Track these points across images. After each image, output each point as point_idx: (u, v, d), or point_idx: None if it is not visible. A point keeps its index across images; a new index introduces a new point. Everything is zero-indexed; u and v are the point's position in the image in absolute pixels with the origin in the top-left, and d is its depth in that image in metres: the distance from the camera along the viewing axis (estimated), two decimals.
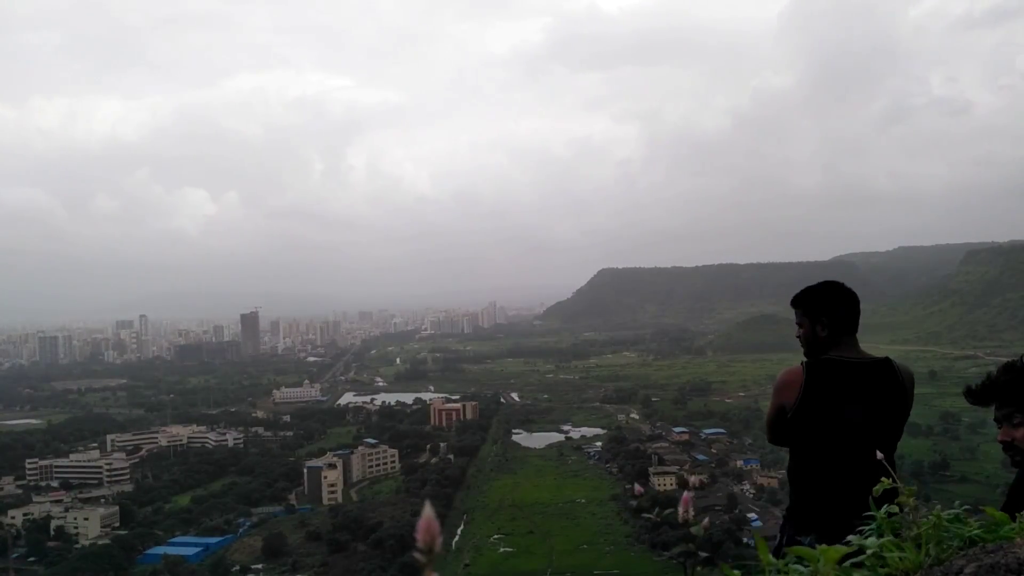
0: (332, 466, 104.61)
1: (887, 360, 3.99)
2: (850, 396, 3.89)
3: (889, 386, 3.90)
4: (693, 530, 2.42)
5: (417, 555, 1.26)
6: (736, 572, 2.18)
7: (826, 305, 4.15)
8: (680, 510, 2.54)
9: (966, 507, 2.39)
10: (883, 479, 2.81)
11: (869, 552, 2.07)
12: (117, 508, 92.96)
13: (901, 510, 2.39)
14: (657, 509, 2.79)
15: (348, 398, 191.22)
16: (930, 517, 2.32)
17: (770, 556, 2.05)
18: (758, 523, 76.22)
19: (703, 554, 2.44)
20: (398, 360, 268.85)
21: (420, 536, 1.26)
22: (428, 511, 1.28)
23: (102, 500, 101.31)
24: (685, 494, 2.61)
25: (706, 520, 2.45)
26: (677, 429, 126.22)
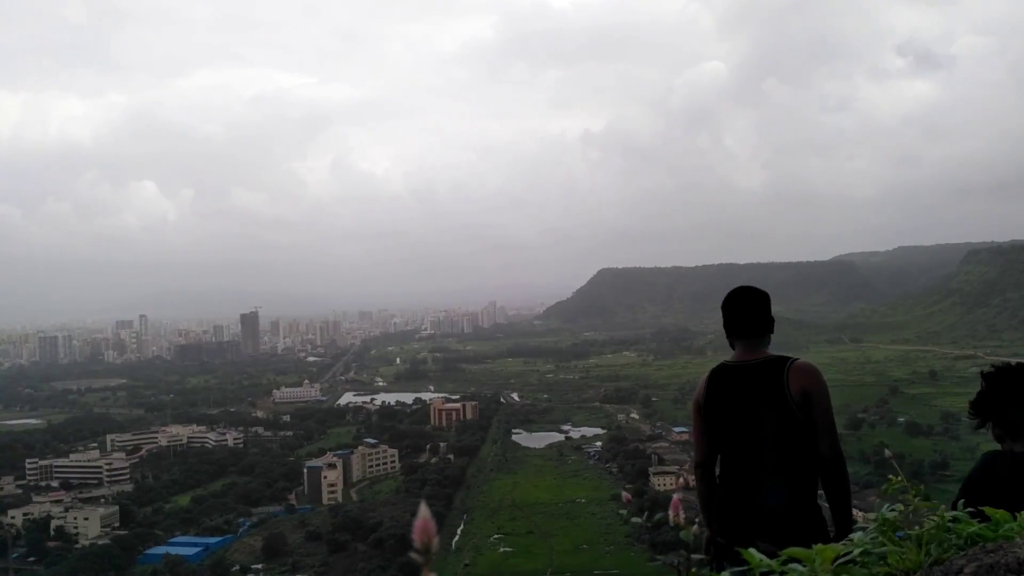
0: (332, 466, 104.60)
1: (779, 360, 3.92)
2: (731, 398, 3.96)
3: (769, 386, 3.86)
4: (682, 535, 2.42)
5: (414, 556, 1.26)
6: (725, 574, 2.23)
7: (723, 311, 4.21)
8: (670, 514, 2.53)
9: (969, 508, 2.40)
10: (891, 477, 2.82)
11: (857, 551, 2.06)
12: (117, 508, 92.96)
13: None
14: (646, 514, 2.79)
15: (348, 398, 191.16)
16: (931, 517, 2.32)
17: (761, 558, 2.03)
18: None
19: (696, 557, 2.43)
20: (398, 360, 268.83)
21: (416, 536, 1.27)
22: (424, 511, 1.28)
23: (102, 500, 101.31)
24: (675, 497, 2.60)
25: (695, 526, 2.46)
26: (677, 429, 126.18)
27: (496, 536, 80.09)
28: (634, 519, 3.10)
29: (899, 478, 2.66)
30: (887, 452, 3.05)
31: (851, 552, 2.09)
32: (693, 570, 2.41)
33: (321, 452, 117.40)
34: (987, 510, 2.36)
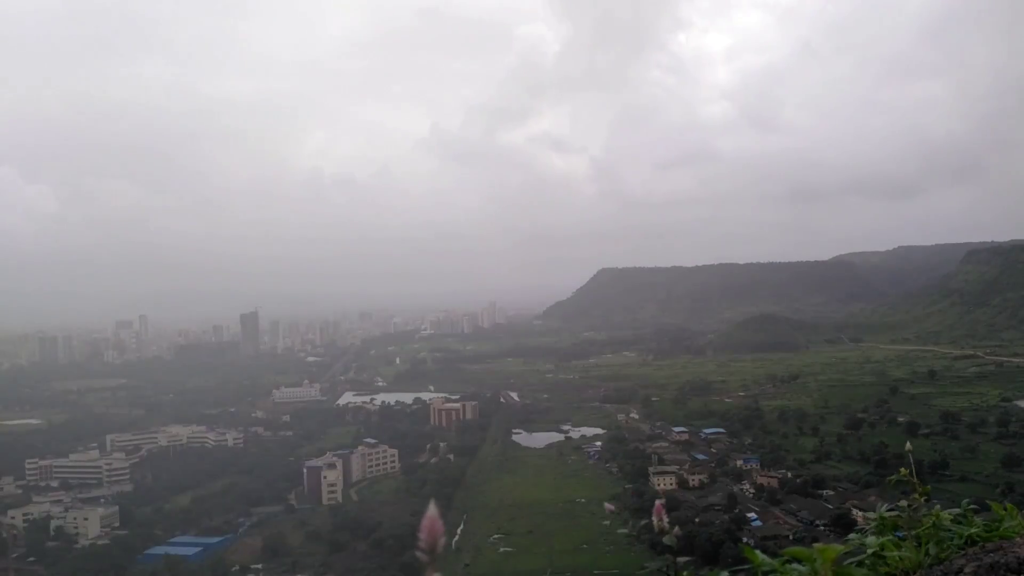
0: (332, 466, 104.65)
1: None
2: None
3: None
4: (666, 540, 2.44)
5: (420, 555, 1.25)
6: (725, 573, 2.25)
7: None
8: (654, 520, 2.54)
9: (973, 506, 2.41)
10: (900, 470, 2.84)
11: (869, 551, 2.09)
12: (117, 508, 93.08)
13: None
14: (631, 523, 2.82)
15: (348, 398, 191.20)
16: (930, 517, 2.34)
17: (763, 557, 2.06)
18: (758, 522, 76.12)
19: (682, 559, 2.45)
20: (398, 360, 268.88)
21: (423, 536, 1.25)
22: (432, 510, 1.25)
23: (102, 500, 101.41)
24: (657, 503, 2.60)
25: (677, 528, 2.48)
26: (677, 429, 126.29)
27: (496, 536, 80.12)
28: (620, 530, 3.12)
29: (907, 472, 2.69)
30: (908, 445, 3.11)
31: (861, 553, 2.11)
32: (684, 574, 2.44)
33: (321, 452, 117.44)
34: (994, 506, 2.40)
